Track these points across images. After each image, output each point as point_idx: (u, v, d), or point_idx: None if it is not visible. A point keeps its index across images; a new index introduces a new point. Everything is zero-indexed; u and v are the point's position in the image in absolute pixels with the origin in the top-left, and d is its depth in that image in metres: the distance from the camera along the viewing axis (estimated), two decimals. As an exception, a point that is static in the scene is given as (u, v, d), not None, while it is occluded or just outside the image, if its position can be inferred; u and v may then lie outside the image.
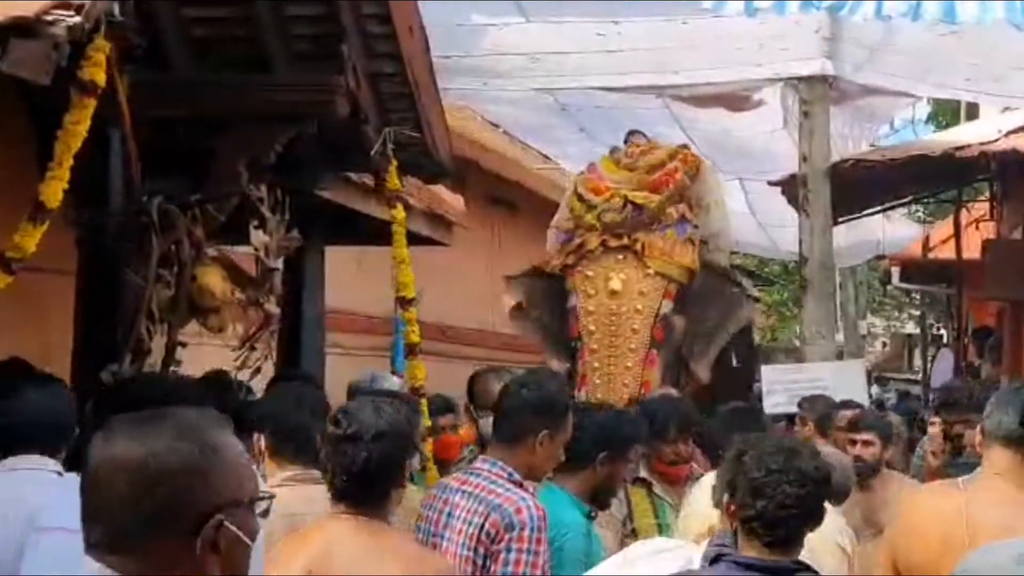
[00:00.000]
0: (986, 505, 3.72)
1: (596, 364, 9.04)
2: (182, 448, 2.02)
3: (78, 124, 4.43)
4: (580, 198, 9.42)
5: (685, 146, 9.88)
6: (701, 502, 3.85)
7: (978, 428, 3.97)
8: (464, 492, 4.40)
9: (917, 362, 30.85)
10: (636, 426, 5.32)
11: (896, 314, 35.05)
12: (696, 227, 9.35)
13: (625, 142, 9.85)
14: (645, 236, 9.14)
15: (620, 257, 9.15)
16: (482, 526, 4.21)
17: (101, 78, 4.50)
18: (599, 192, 9.32)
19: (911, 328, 33.30)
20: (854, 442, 7.25)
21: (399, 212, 7.16)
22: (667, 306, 9.13)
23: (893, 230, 18.38)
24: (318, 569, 3.57)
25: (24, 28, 3.96)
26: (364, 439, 3.66)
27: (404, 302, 7.32)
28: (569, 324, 9.25)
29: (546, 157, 15.98)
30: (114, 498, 2.00)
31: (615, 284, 9.06)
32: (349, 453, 3.66)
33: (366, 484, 3.69)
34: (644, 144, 9.71)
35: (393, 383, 8.02)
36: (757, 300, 10.60)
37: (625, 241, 9.14)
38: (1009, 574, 2.23)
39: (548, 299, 9.51)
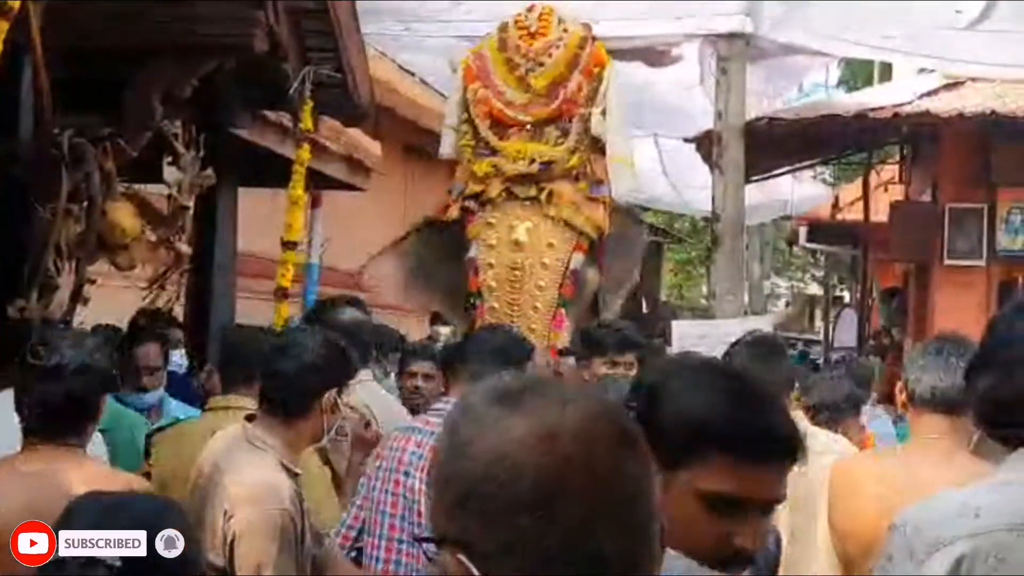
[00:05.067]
0: (926, 465, 3.70)
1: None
2: None
3: (-10, 48, 4.27)
4: (475, 132, 8.34)
5: (587, 26, 8.59)
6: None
7: (899, 389, 3.92)
8: (425, 432, 4.47)
9: (818, 323, 31.29)
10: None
11: (799, 275, 35.50)
12: (606, 187, 8.44)
13: None
14: (554, 184, 8.24)
15: (526, 203, 8.23)
16: None
17: (15, 2, 4.33)
18: (495, 119, 8.31)
19: (814, 289, 33.73)
20: None
21: (304, 152, 7.07)
22: (578, 260, 8.22)
23: (801, 190, 18.55)
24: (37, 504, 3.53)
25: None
26: (65, 373, 3.65)
27: (285, 244, 7.20)
28: (467, 278, 8.29)
29: (461, 107, 15.86)
30: None
31: (520, 234, 8.13)
32: (50, 386, 3.65)
33: (67, 416, 3.70)
34: (533, 22, 8.42)
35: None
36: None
37: (532, 191, 8.23)
38: (950, 526, 2.21)
39: (443, 254, 8.59)
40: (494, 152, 8.29)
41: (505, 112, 8.32)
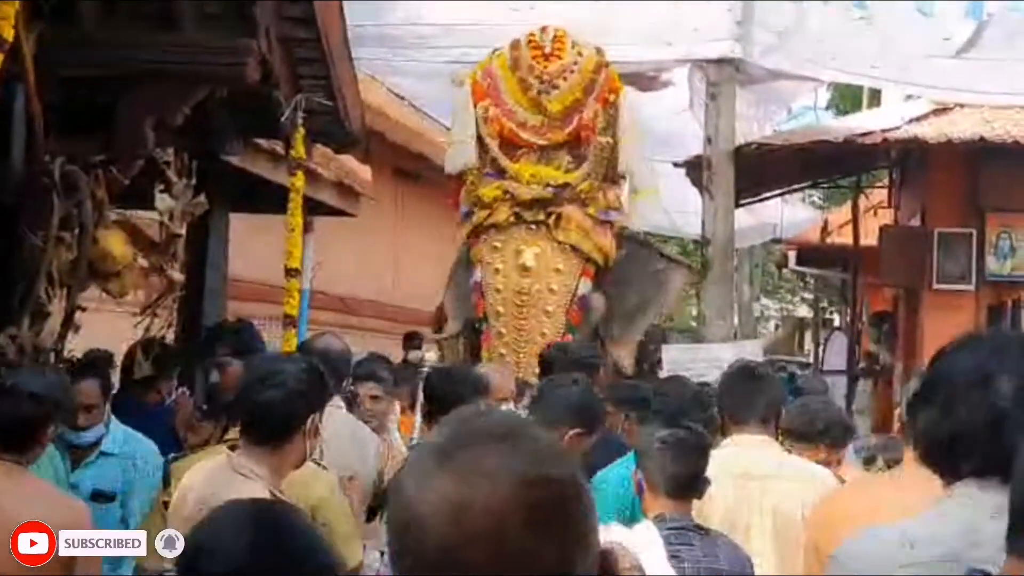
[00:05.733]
0: (922, 492, 3.70)
1: (503, 351, 8.02)
2: None
3: (-15, 79, 4.28)
4: (483, 151, 8.26)
5: (600, 51, 8.53)
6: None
7: (897, 415, 3.93)
8: None
9: (807, 345, 31.29)
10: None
11: (789, 297, 35.51)
12: (621, 214, 8.42)
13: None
14: (563, 209, 8.18)
15: (533, 228, 8.16)
16: None
17: (9, 33, 4.37)
18: (505, 139, 8.30)
19: (804, 312, 33.74)
20: None
21: (299, 179, 7.06)
22: (585, 285, 8.17)
23: (791, 214, 18.58)
24: None
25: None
26: (20, 396, 3.99)
27: (288, 271, 7.21)
28: (473, 302, 8.25)
29: (450, 130, 15.88)
30: None
31: (527, 259, 8.03)
32: (2, 406, 3.97)
33: (14, 436, 3.99)
34: (547, 43, 8.37)
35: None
36: (689, 267, 9.62)
37: (540, 215, 8.18)
38: (886, 558, 2.23)
39: (456, 271, 8.64)
40: (502, 173, 8.24)
41: (518, 133, 8.31)
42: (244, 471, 3.87)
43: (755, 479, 4.48)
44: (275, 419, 3.90)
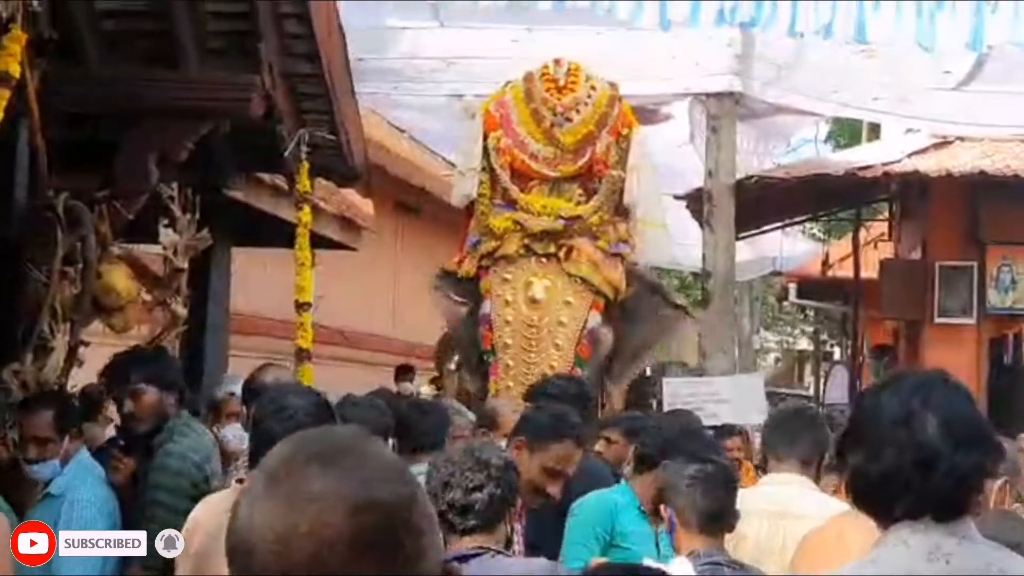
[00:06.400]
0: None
1: (511, 384, 7.80)
2: None
3: (-9, 115, 4.29)
4: (493, 181, 8.15)
5: (614, 86, 8.45)
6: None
7: None
8: None
9: (807, 378, 31.27)
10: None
11: (789, 330, 35.49)
12: (631, 248, 8.31)
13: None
14: (573, 241, 8.09)
15: (544, 260, 8.05)
16: None
17: (16, 70, 4.37)
18: (516, 170, 8.19)
19: (803, 344, 33.72)
20: None
21: (305, 214, 7.05)
22: (595, 319, 8.01)
23: (791, 247, 18.59)
24: None
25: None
26: None
27: (299, 306, 7.18)
28: (481, 334, 8.07)
29: (452, 164, 15.91)
30: None
31: (537, 291, 7.92)
32: None
33: None
34: (561, 76, 8.30)
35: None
36: (694, 318, 9.40)
37: (551, 247, 8.07)
38: None
39: (463, 300, 8.36)
40: (512, 204, 8.16)
41: (530, 165, 8.24)
42: None
43: (788, 518, 4.48)
44: None
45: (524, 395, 6.53)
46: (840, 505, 5.15)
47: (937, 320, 12.60)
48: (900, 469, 2.28)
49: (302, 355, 7.10)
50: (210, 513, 3.98)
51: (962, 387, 2.45)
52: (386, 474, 1.49)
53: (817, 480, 4.95)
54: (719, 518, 3.93)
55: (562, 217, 8.07)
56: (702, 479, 3.96)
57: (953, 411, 2.33)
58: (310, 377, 6.93)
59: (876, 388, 2.46)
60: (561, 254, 8.03)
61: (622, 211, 8.34)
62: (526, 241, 8.07)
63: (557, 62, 8.39)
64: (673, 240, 17.05)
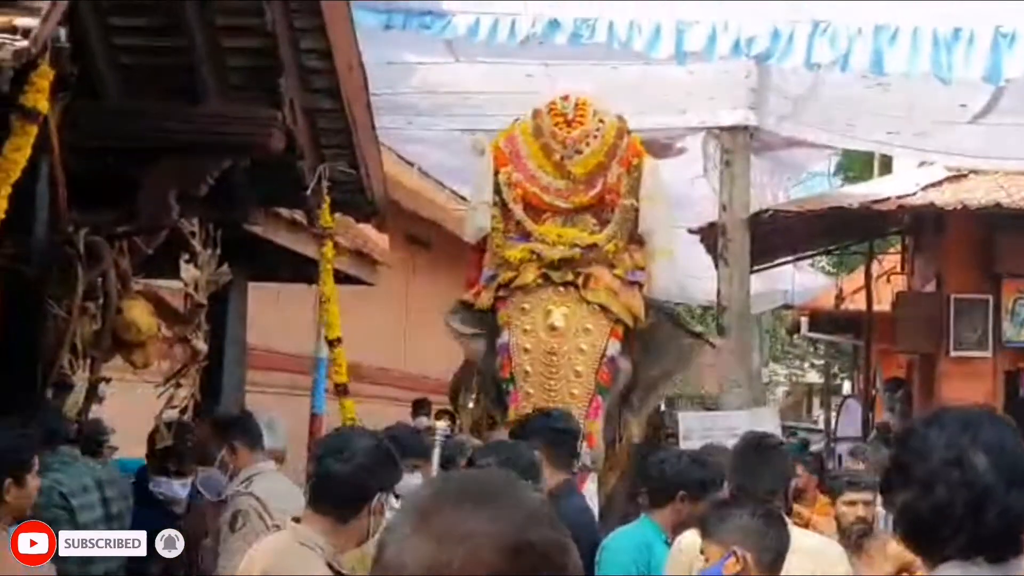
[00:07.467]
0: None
1: (531, 412, 7.43)
2: None
3: (18, 151, 4.28)
4: (506, 215, 8.15)
5: (621, 119, 8.49)
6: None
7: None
8: None
9: (816, 411, 31.15)
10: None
11: (798, 363, 35.39)
12: (646, 274, 8.31)
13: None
14: (591, 269, 8.10)
15: (562, 289, 8.06)
16: None
17: (44, 105, 4.35)
18: (528, 203, 8.19)
19: (813, 377, 33.61)
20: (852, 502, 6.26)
21: (329, 250, 7.02)
22: (614, 346, 8.02)
23: (802, 280, 18.54)
24: None
25: (-34, 51, 3.81)
26: None
27: (330, 342, 7.15)
28: (500, 364, 8.08)
29: (462, 198, 15.90)
30: None
31: (556, 319, 7.94)
32: None
33: None
34: (570, 110, 8.31)
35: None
36: (712, 345, 9.43)
37: (568, 276, 8.08)
38: None
39: (480, 332, 8.37)
40: (527, 236, 8.18)
41: (542, 197, 8.26)
42: (308, 543, 3.87)
43: None
44: (341, 492, 3.89)
45: (510, 433, 6.53)
46: (825, 541, 5.15)
47: (952, 353, 12.55)
48: (952, 508, 2.26)
49: (341, 390, 7.06)
50: (268, 550, 4.05)
51: (1009, 423, 2.42)
52: (538, 517, 1.47)
53: (789, 512, 4.96)
54: (783, 557, 3.95)
55: (577, 245, 8.11)
56: (770, 520, 3.96)
57: (1003, 449, 2.31)
58: (352, 410, 6.92)
59: (921, 424, 2.43)
60: (579, 282, 8.03)
61: (636, 239, 8.35)
62: (543, 270, 8.08)
63: (565, 97, 8.45)
64: (685, 273, 17.10)
